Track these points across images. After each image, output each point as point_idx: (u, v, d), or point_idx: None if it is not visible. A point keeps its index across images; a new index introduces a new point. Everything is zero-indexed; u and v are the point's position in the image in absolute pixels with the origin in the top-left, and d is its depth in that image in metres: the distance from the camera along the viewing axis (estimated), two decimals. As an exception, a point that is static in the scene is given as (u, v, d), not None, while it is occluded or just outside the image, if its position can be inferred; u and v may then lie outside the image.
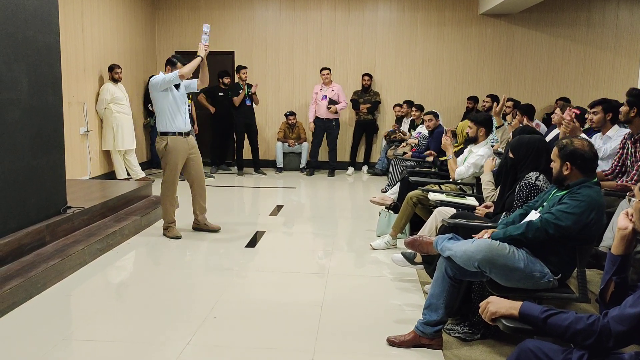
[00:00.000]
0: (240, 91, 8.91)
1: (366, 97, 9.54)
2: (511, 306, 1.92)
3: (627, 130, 4.02)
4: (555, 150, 2.74)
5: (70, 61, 6.95)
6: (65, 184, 4.83)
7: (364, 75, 9.59)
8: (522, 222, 2.80)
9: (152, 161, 9.48)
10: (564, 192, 2.69)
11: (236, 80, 9.07)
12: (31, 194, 4.27)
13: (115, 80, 7.72)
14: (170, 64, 5.05)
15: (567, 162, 2.67)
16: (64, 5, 6.09)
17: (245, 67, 9.05)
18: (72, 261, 4.13)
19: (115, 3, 8.33)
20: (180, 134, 5.02)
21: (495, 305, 1.96)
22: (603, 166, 4.16)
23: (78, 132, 7.27)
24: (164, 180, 5.13)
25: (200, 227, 5.40)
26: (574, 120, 3.93)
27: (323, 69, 9.25)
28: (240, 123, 9.05)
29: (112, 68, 7.73)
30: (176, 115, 5.00)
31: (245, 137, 9.26)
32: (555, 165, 2.75)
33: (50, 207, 4.54)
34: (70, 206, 4.81)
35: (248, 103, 9.02)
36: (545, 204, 2.79)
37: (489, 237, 2.83)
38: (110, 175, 7.96)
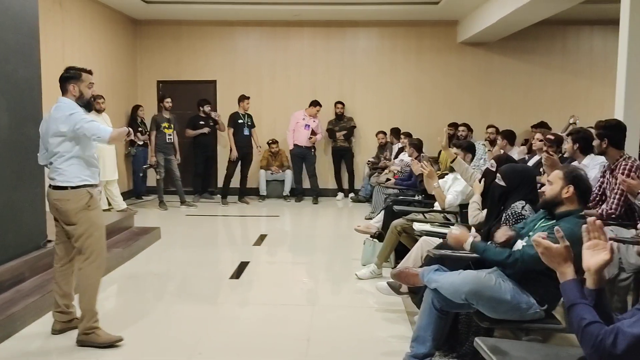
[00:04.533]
0: (238, 125, 8.92)
1: (341, 125, 9.63)
2: (563, 272, 1.89)
3: (603, 158, 4.09)
4: (558, 173, 2.76)
5: (52, 93, 6.80)
6: (46, 217, 4.74)
7: (336, 103, 9.68)
8: (504, 249, 2.81)
9: (134, 191, 9.39)
10: (550, 224, 2.71)
11: (239, 110, 9.05)
12: (10, 229, 4.20)
13: (98, 111, 7.67)
14: (73, 78, 3.52)
15: (572, 185, 2.68)
16: (45, 36, 6.05)
17: (248, 98, 9.07)
18: (52, 297, 4.03)
19: (96, 33, 8.34)
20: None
21: (550, 258, 1.92)
22: None
23: (58, 163, 7.18)
24: (94, 250, 3.46)
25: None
26: (551, 154, 4.00)
27: (317, 104, 9.35)
28: (238, 153, 9.02)
29: (94, 98, 7.67)
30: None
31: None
32: (553, 187, 2.74)
33: (29, 241, 4.46)
34: (51, 240, 4.71)
35: (246, 133, 9.02)
36: (531, 233, 2.81)
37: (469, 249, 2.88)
38: (91, 206, 7.84)
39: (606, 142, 3.85)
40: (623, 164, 3.76)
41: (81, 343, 3.41)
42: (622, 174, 3.66)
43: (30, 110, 4.49)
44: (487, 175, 3.96)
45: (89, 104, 3.54)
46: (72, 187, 3.39)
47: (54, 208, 3.46)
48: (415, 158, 6.68)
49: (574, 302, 1.80)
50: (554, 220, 2.72)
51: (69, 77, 3.49)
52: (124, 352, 3.37)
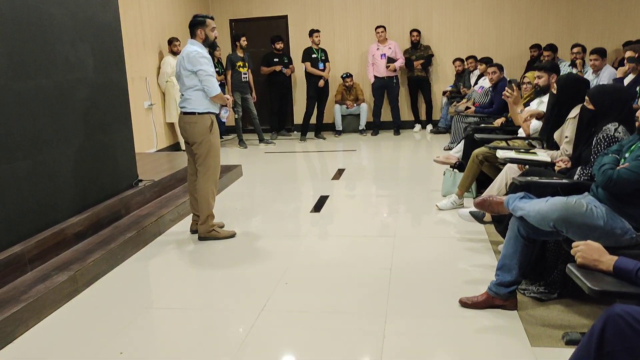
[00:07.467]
0: (312, 60, 8.82)
1: (418, 53, 9.31)
2: (605, 261, 1.97)
3: None
4: None
5: (130, 37, 7.09)
6: (135, 158, 4.99)
7: (412, 31, 9.34)
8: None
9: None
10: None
11: (311, 45, 8.95)
12: (105, 169, 4.46)
13: (174, 54, 7.84)
14: (200, 24, 4.09)
15: None
16: (120, -19, 6.21)
17: (318, 31, 8.93)
18: (147, 232, 4.30)
19: (168, -25, 8.39)
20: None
21: (588, 254, 2.01)
22: None
23: (142, 106, 7.47)
24: (210, 166, 4.20)
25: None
26: None
27: (378, 26, 9.07)
28: (313, 89, 8.99)
29: (170, 41, 7.86)
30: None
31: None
32: None
33: (122, 181, 4.73)
34: (141, 179, 4.98)
35: (321, 67, 8.93)
36: (627, 155, 2.63)
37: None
38: (175, 146, 8.17)
39: None
40: None
41: (203, 239, 4.26)
42: None
43: (113, 55, 4.64)
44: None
45: (214, 45, 4.23)
46: (199, 113, 4.08)
47: (184, 130, 4.18)
48: (499, 81, 6.42)
49: (636, 268, 1.85)
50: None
51: (197, 23, 4.09)
52: (214, 283, 3.56)
